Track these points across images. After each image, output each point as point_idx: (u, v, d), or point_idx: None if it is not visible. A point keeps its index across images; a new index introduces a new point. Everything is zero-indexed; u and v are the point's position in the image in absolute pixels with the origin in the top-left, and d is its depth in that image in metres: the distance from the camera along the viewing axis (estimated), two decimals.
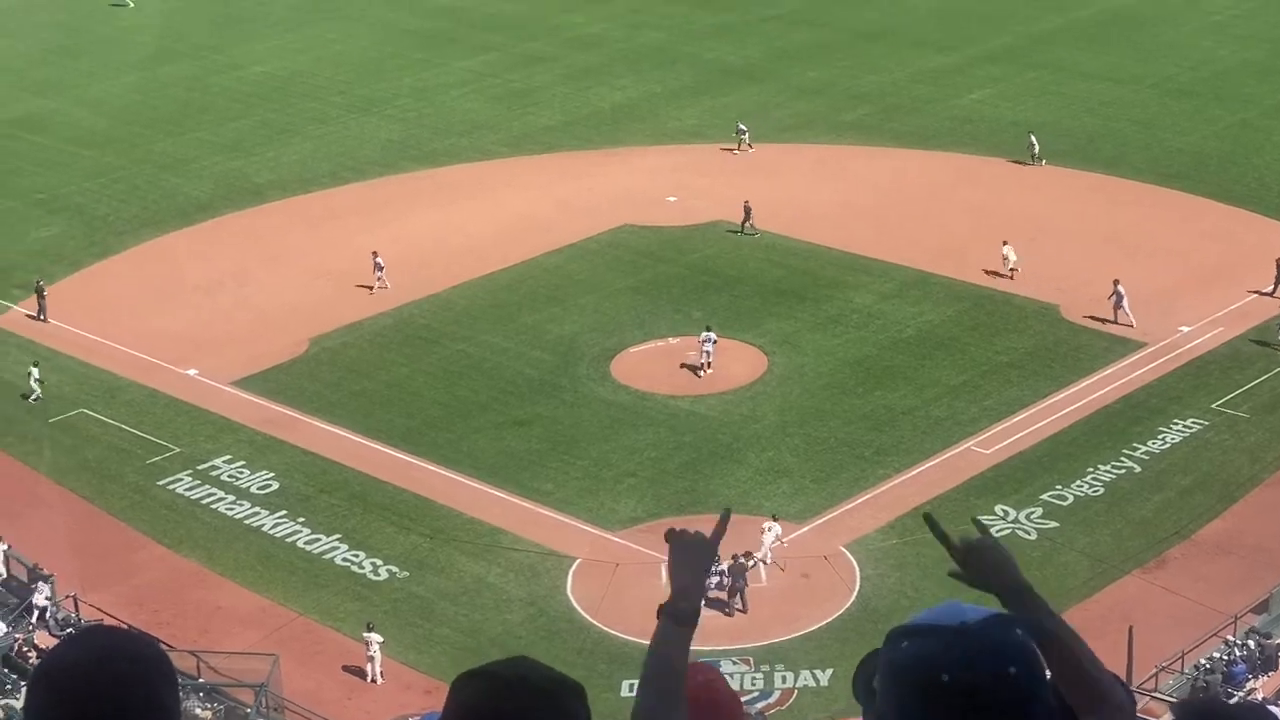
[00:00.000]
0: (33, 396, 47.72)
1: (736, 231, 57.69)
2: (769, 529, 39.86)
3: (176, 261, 57.83)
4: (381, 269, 54.04)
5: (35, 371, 48.19)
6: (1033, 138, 63.24)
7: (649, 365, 49.36)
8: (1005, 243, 53.80)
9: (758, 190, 60.47)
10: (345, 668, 37.22)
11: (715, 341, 48.36)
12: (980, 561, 4.40)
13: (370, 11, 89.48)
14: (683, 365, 48.77)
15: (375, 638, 36.56)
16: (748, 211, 57.51)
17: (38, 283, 54.14)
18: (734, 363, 49.16)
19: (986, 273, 53.70)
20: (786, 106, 71.51)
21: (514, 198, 61.66)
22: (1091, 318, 50.82)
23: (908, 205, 59.61)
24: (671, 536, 4.86)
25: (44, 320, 53.15)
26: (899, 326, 51.28)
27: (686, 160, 65.10)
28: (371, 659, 36.51)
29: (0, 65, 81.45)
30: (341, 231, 59.23)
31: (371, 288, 53.88)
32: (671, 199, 61.06)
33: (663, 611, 4.63)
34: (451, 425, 46.49)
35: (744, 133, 65.54)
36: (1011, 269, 53.36)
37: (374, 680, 36.42)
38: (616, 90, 74.66)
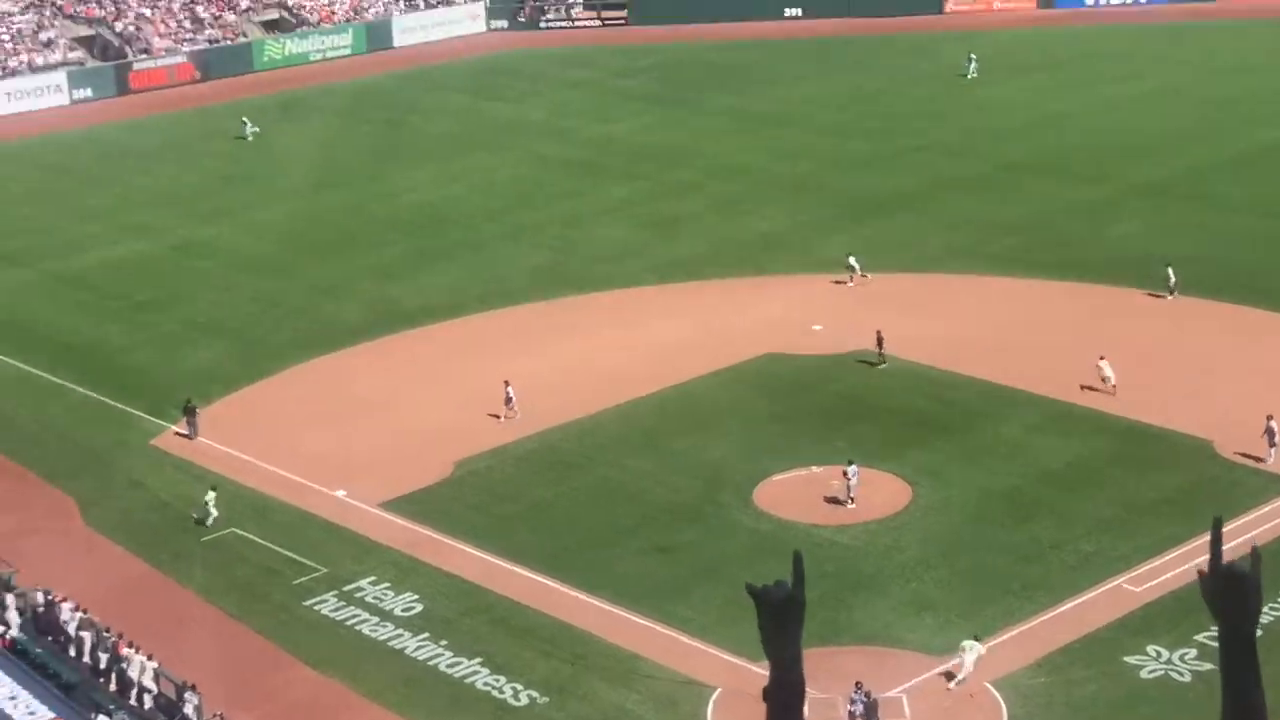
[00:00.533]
0: (209, 520, 48.30)
1: (869, 362, 57.46)
2: (970, 648, 39.22)
3: (328, 384, 58.89)
4: (512, 399, 54.34)
5: (213, 496, 48.73)
6: (1170, 270, 62.51)
7: (792, 493, 49.16)
8: (1102, 358, 53.59)
9: (902, 320, 60.37)
10: None
11: (858, 474, 48.06)
12: (1233, 589, 4.27)
13: (522, 142, 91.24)
14: (827, 499, 48.45)
15: None
16: (880, 341, 57.39)
17: (188, 402, 55.35)
18: (877, 493, 48.80)
19: (1083, 387, 52.99)
20: (934, 237, 71.47)
21: (660, 324, 62.07)
22: (1245, 455, 49.85)
23: (1053, 336, 59.11)
24: (754, 592, 4.86)
25: (194, 439, 54.29)
26: (1046, 458, 50.64)
27: (832, 289, 65.18)
28: None
29: (170, 194, 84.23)
30: (489, 356, 59.95)
31: (500, 416, 54.19)
32: (817, 328, 61.10)
33: (769, 695, 4.54)
34: (594, 550, 46.56)
35: (854, 266, 65.50)
36: (1110, 385, 53.17)
37: None
38: (764, 219, 75.17)
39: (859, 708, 37.53)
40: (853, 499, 47.72)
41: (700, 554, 46.15)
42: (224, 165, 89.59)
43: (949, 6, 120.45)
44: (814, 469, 50.43)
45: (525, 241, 73.72)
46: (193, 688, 39.09)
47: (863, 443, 51.67)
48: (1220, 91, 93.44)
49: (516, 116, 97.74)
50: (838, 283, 65.56)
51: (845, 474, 47.96)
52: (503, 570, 45.63)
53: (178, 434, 55.05)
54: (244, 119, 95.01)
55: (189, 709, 38.82)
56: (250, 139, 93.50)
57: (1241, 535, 45.52)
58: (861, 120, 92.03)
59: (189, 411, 55.02)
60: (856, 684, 37.76)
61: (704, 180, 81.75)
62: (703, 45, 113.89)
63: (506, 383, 54.75)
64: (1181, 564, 44.16)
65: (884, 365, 57.20)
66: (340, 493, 50.35)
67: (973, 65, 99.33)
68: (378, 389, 57.90)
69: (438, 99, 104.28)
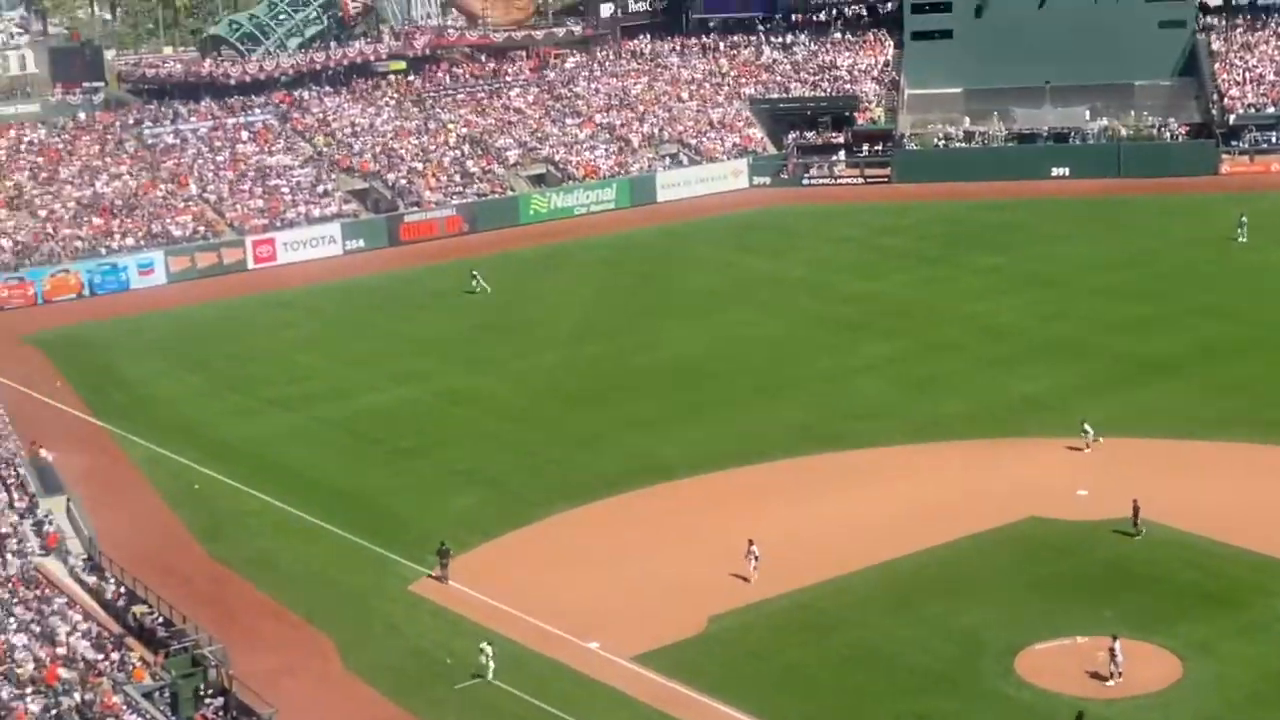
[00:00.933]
0: (489, 674, 48.10)
1: (1125, 533, 55.59)
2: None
3: (583, 535, 59.13)
4: (755, 557, 53.66)
5: (489, 650, 48.55)
6: None
7: (1055, 664, 47.57)
8: None
9: (1170, 487, 58.59)
10: None
11: (1123, 650, 46.24)
12: None
13: (780, 298, 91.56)
14: (1090, 673, 46.67)
15: None
16: (1136, 511, 55.59)
17: (442, 544, 56.11)
18: (1145, 667, 46.93)
19: None
20: (1204, 403, 69.45)
21: (917, 484, 61.13)
22: None
23: None
24: None
25: (446, 582, 54.94)
26: None
27: (1097, 454, 63.58)
28: None
29: (435, 342, 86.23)
30: (743, 511, 59.61)
31: (746, 578, 53.52)
32: (1082, 493, 59.56)
33: None
34: (846, 714, 45.55)
35: (1088, 432, 63.78)
36: None
37: None
38: (1026, 380, 73.94)
39: None
40: (1119, 674, 45.92)
41: None
42: (487, 315, 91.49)
43: (1224, 168, 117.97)
44: (1078, 639, 48.80)
45: (782, 397, 73.57)
46: None
47: (1129, 613, 49.93)
48: None
49: (776, 272, 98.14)
50: (1072, 449, 63.95)
51: (1112, 650, 46.21)
52: None
53: (431, 577, 55.76)
54: (474, 273, 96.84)
55: None
56: (479, 293, 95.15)
57: None
58: (1130, 282, 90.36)
59: (443, 554, 55.79)
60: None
61: (965, 339, 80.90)
62: (967, 204, 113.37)
63: (750, 541, 54.12)
64: None
65: (1140, 536, 55.38)
66: (593, 645, 50.26)
67: (1243, 229, 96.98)
68: (632, 541, 57.94)
69: (698, 253, 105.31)
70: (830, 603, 52.30)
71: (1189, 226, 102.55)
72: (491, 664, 48.14)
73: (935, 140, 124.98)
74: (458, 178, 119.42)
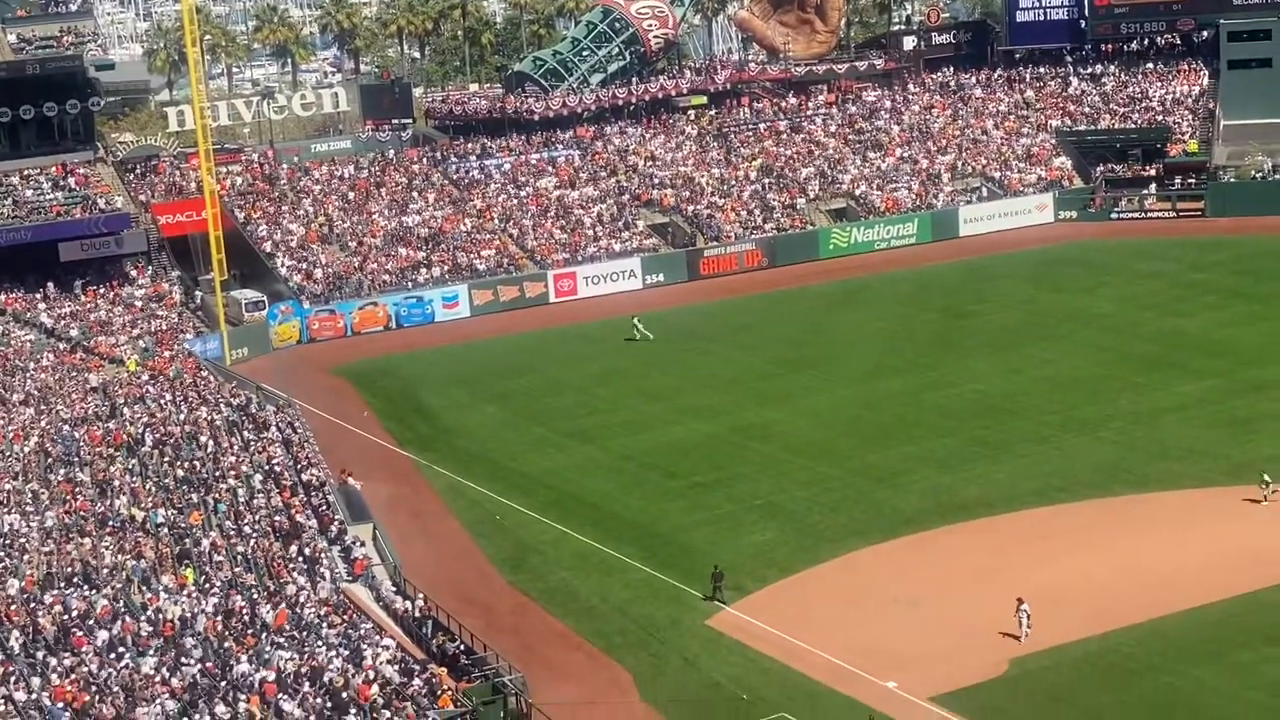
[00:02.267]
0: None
1: None
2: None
3: (881, 573, 58.44)
4: (1028, 616, 51.54)
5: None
6: None
7: None
8: None
9: None
10: None
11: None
12: None
13: (1086, 334, 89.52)
14: None
15: None
16: None
17: (715, 569, 56.67)
18: None
19: None
20: None
21: (1231, 527, 58.88)
22: None
23: None
24: None
25: (720, 604, 55.61)
26: None
27: None
28: None
29: (732, 377, 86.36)
30: (1047, 550, 58.27)
31: (1019, 638, 51.49)
32: None
33: None
34: None
35: (1268, 483, 60.61)
36: None
37: None
38: None
39: None
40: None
41: None
42: (785, 350, 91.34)
43: None
44: None
45: (1088, 435, 71.72)
46: None
47: None
48: None
49: (1082, 308, 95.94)
50: (1249, 500, 60.94)
51: None
52: None
53: (705, 599, 56.00)
54: (635, 320, 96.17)
55: None
56: (640, 340, 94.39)
57: None
58: None
59: (717, 578, 56.42)
60: None
61: None
62: None
63: (1020, 600, 51.89)
64: None
65: None
66: (891, 684, 49.58)
67: None
68: (932, 580, 57.04)
69: (1001, 288, 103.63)
70: (1137, 648, 50.68)
71: None
72: None
73: (1253, 172, 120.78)
74: (757, 212, 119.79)
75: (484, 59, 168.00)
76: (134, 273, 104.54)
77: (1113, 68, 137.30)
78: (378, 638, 50.82)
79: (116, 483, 64.08)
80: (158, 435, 70.32)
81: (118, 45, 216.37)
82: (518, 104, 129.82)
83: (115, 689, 45.99)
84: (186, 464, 66.29)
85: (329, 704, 45.21)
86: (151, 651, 48.99)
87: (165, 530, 59.44)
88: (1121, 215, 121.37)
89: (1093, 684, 48.72)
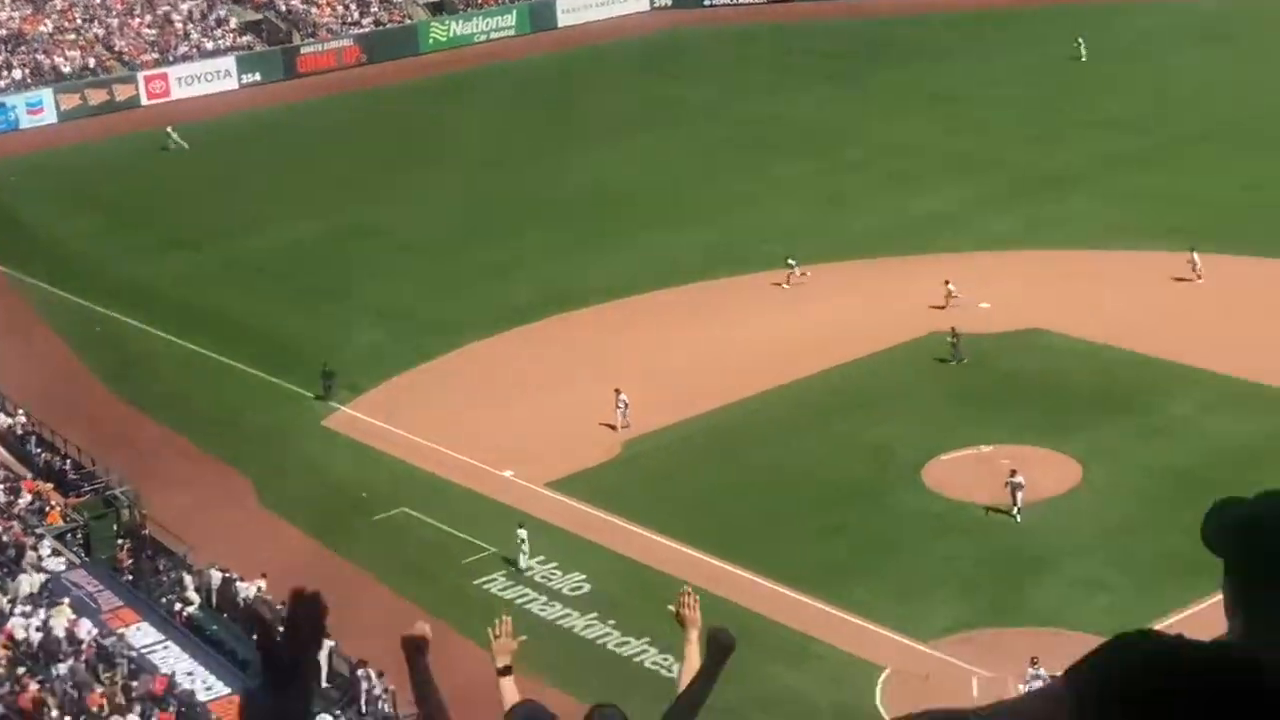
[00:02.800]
0: (521, 561, 45.53)
1: (944, 359, 55.96)
2: None
3: (496, 365, 59.27)
4: (626, 406, 52.64)
5: (523, 534, 45.77)
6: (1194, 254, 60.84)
7: (961, 473, 48.61)
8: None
9: (1073, 296, 59.48)
10: None
11: (1023, 484, 46.53)
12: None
13: (691, 122, 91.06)
14: (990, 509, 47.17)
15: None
16: (954, 340, 55.74)
17: (325, 366, 56.86)
18: (1048, 472, 48.06)
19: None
20: (1105, 213, 70.16)
21: (827, 304, 61.53)
22: None
23: (1232, 312, 57.72)
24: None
25: (328, 401, 56.01)
26: (1222, 438, 49.47)
27: (1001, 266, 64.29)
28: None
29: (337, 177, 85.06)
30: (658, 335, 60.00)
31: (614, 426, 52.62)
32: (984, 305, 60.25)
33: None
34: (761, 531, 46.41)
35: (794, 265, 63.79)
36: None
37: None
38: (933, 197, 74.24)
39: (1038, 684, 37.05)
40: (1019, 510, 46.37)
41: (869, 535, 45.88)
42: (390, 149, 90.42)
43: None
44: (983, 448, 49.82)
45: (695, 221, 73.51)
46: (366, 664, 39.66)
47: (1030, 421, 51.02)
48: None
49: (684, 96, 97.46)
50: (776, 285, 64.13)
51: (1009, 484, 46.51)
52: (671, 551, 45.66)
53: (316, 399, 56.43)
54: (169, 129, 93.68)
55: (365, 686, 39.38)
56: (173, 150, 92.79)
57: None
58: (1029, 95, 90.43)
59: (327, 377, 56.42)
60: (1032, 659, 37.27)
61: (873, 158, 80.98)
62: (869, 21, 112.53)
63: (618, 391, 53.10)
64: None
65: (962, 362, 55.61)
66: (508, 473, 50.69)
67: (1082, 46, 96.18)
68: (546, 370, 58.17)
69: (604, 79, 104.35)
70: (743, 423, 52.91)
71: (1089, 38, 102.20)
72: (526, 549, 45.67)
73: None
74: (354, 7, 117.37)
75: None
76: None
77: None
78: None
79: None
80: None
81: None
82: None
83: None
84: None
85: None
86: None
87: None
88: (715, 3, 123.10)
89: (702, 461, 50.73)
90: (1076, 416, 51.43)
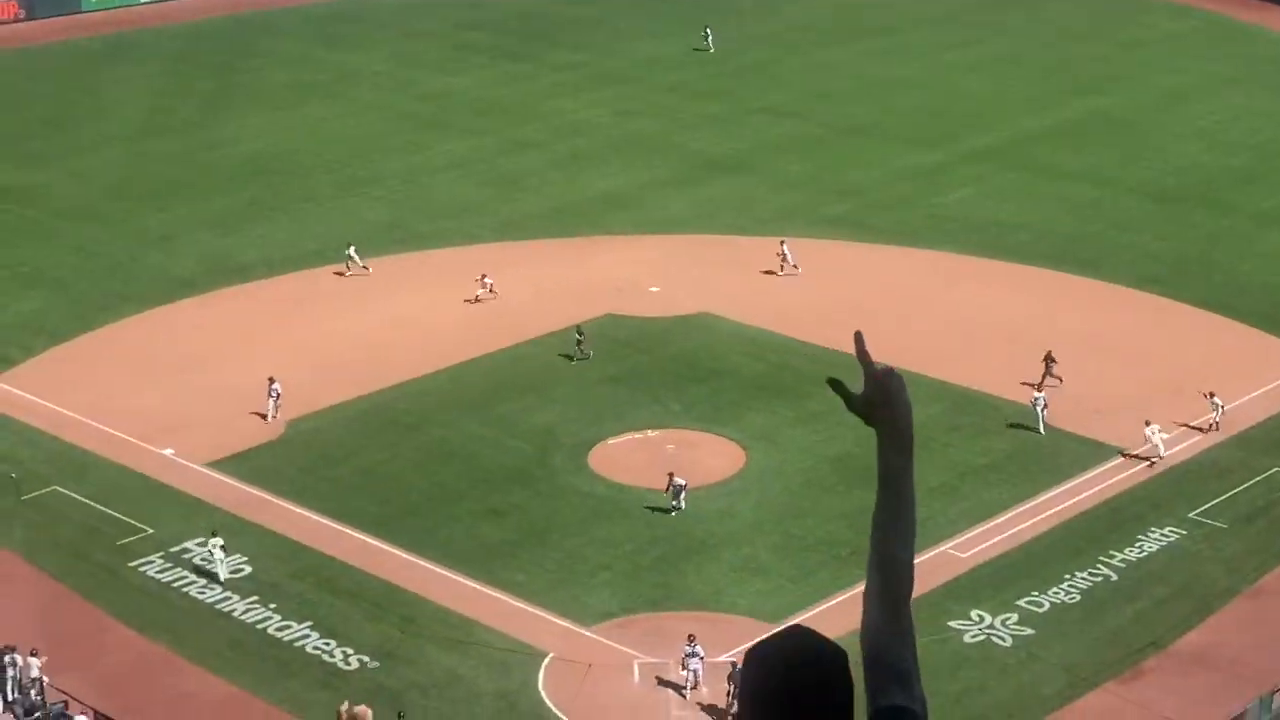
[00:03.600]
0: (221, 574, 42.89)
1: (569, 356, 56.22)
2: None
3: (156, 338, 57.69)
4: (277, 396, 51.08)
5: (218, 543, 43.08)
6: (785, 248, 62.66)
7: (627, 457, 49.23)
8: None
9: (737, 283, 60.75)
10: None
11: (686, 490, 46.46)
12: (884, 391, 4.67)
13: (362, 93, 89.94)
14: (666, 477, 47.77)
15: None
16: (580, 337, 55.70)
17: None
18: (712, 457, 49.03)
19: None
20: (769, 199, 71.81)
21: (499, 283, 61.42)
22: (1074, 423, 50.89)
23: (888, 303, 59.68)
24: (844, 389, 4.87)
25: None
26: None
27: (672, 250, 65.22)
28: None
29: None
30: (320, 313, 59.19)
31: (265, 417, 51.12)
32: (655, 289, 61.11)
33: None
34: (425, 513, 46.26)
35: (354, 257, 62.75)
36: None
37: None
38: (604, 178, 74.90)
39: (696, 662, 37.85)
40: (680, 505, 46.34)
41: (533, 517, 46.10)
42: (48, 109, 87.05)
43: None
44: (648, 433, 50.54)
45: (363, 195, 72.72)
46: (14, 650, 38.27)
47: (698, 406, 51.97)
48: (1050, 59, 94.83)
49: (356, 66, 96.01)
50: (338, 274, 63.16)
51: (671, 487, 46.21)
52: (333, 532, 45.18)
53: None
54: None
55: (12, 673, 37.99)
56: None
57: (1066, 501, 46.64)
58: (701, 79, 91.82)
59: None
60: (690, 636, 37.99)
61: (546, 138, 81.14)
62: None
63: (271, 379, 51.47)
64: (1005, 530, 45.10)
65: (588, 358, 55.23)
66: (168, 451, 49.44)
67: (709, 38, 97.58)
68: (208, 344, 56.83)
69: (273, 45, 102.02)
70: (408, 404, 52.60)
71: (761, 21, 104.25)
72: (221, 561, 43.02)
73: None
74: None
75: None
76: None
77: None
78: None
79: None
80: None
81: None
82: None
83: None
84: None
85: None
86: None
87: None
88: None
89: (366, 441, 50.27)
90: (741, 402, 52.56)
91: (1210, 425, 50.18)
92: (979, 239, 66.01)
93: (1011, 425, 50.92)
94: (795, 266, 61.95)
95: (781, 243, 62.74)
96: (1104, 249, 65.17)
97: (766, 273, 62.37)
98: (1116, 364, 54.48)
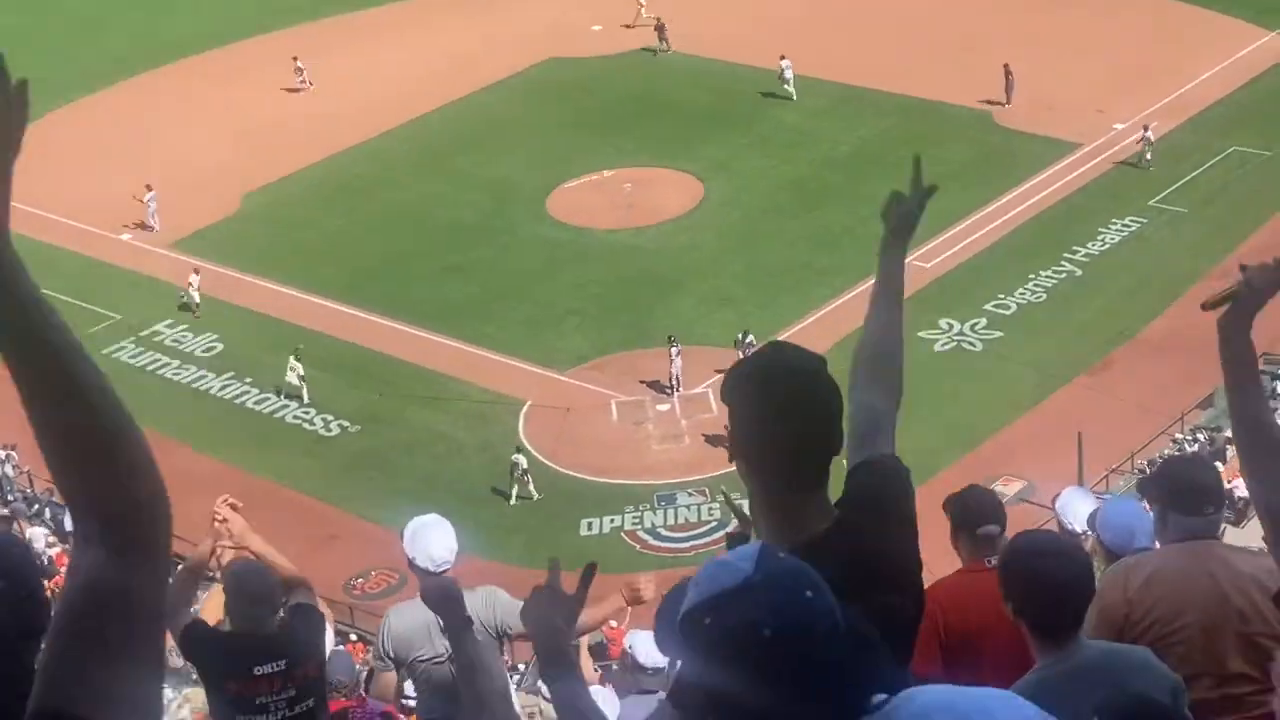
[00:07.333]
0: (303, 392, 41.04)
1: (652, 52, 57.06)
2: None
3: (96, 124, 56.74)
4: (154, 202, 49.31)
5: (297, 365, 41.17)
6: None
7: (585, 200, 49.08)
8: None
9: (684, 13, 59.86)
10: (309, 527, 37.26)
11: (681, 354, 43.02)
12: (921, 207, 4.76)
13: None
14: (644, 380, 46.25)
15: None
16: (661, 31, 56.97)
17: None
18: (670, 192, 48.90)
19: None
20: None
21: (436, 36, 60.49)
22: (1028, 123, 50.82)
23: (829, 18, 58.93)
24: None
25: None
26: (831, 144, 51.05)
27: None
28: None
29: None
30: (266, 82, 58.28)
31: (144, 225, 49.54)
32: (596, 28, 60.23)
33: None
34: (390, 275, 46.16)
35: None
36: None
37: None
38: None
39: (679, 360, 38.67)
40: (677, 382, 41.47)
41: (497, 270, 46.09)
42: None
43: None
44: (605, 173, 50.32)
45: None
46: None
47: (651, 141, 51.69)
48: None
49: None
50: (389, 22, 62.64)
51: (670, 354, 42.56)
52: (302, 302, 45.13)
53: None
54: None
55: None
56: None
57: (1026, 201, 46.81)
58: None
59: None
60: (670, 337, 39.00)
61: None
62: None
63: (148, 186, 49.67)
64: (967, 236, 45.27)
65: (669, 53, 56.76)
66: (125, 236, 49.08)
67: None
68: (152, 126, 55.88)
69: None
70: (363, 167, 52.19)
71: None
72: (298, 382, 41.23)
73: None
74: None
75: None
76: None
77: None
78: None
79: None
80: None
81: None
82: None
83: None
84: None
85: None
86: None
87: None
88: None
89: (325, 208, 49.99)
90: (695, 133, 52.21)
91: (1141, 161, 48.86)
92: None
93: (966, 131, 50.78)
94: None
95: None
96: None
97: None
98: (1067, 58, 54.09)
